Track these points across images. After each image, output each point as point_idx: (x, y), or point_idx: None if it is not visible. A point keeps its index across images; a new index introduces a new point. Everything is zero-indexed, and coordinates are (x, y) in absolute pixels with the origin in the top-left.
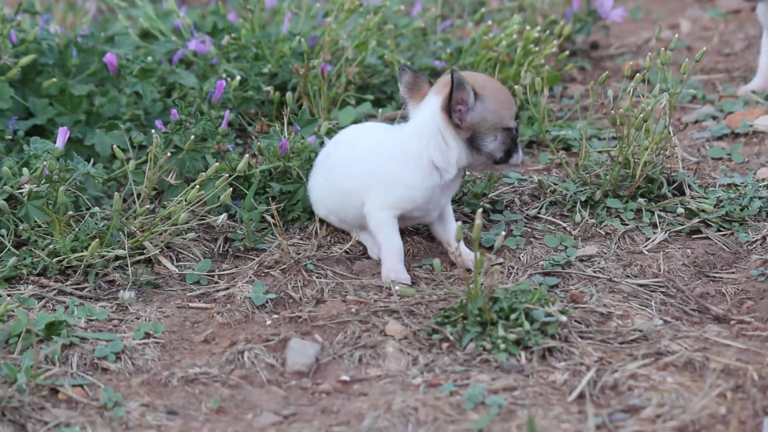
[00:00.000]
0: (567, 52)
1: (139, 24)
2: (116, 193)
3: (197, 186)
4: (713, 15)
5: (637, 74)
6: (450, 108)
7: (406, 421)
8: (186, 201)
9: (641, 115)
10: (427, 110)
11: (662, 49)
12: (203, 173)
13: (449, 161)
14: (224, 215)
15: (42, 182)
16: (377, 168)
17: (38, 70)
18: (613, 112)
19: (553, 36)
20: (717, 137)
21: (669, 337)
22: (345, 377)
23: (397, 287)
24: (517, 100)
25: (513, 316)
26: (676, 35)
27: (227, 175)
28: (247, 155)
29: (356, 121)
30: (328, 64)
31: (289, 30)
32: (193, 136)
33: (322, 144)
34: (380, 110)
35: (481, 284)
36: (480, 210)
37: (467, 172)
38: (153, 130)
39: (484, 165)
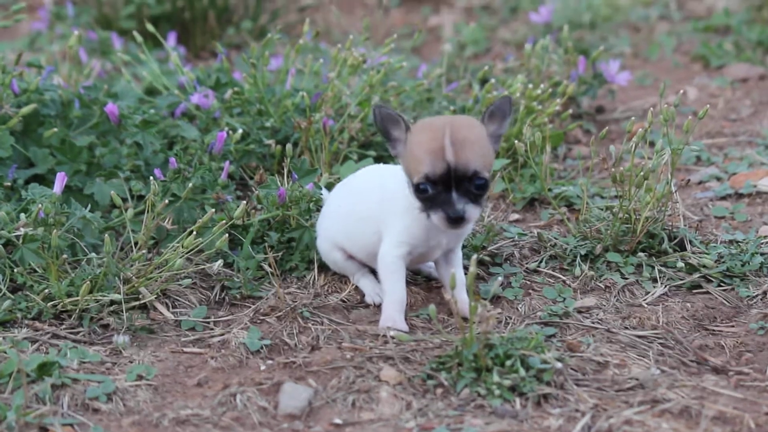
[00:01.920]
0: (570, 111)
1: (145, 81)
2: (107, 235)
3: (194, 233)
4: (720, 83)
5: (639, 130)
6: (386, 136)
7: None
8: (183, 247)
9: (641, 173)
10: None
11: (665, 105)
12: (200, 220)
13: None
14: (220, 262)
15: (37, 226)
16: (386, 201)
17: (40, 121)
18: (613, 169)
19: (557, 95)
20: (720, 197)
21: (666, 386)
22: (338, 420)
23: (392, 333)
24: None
25: (508, 363)
26: (681, 91)
27: (223, 221)
28: (244, 202)
29: None
30: (331, 119)
31: (293, 86)
32: (191, 185)
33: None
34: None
35: (477, 331)
36: (475, 257)
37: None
38: (151, 178)
39: None
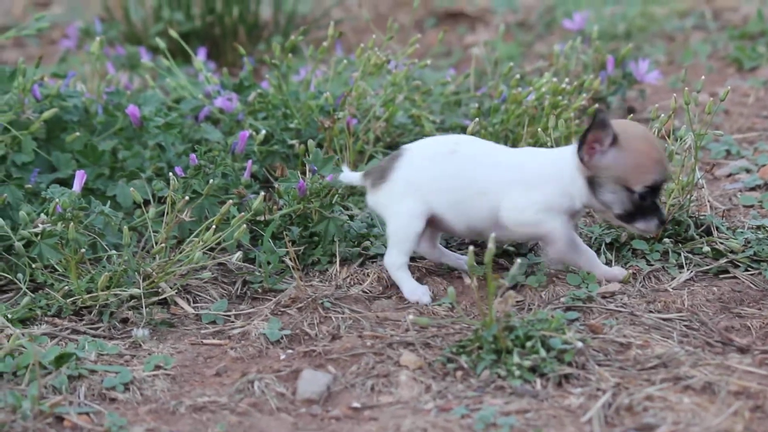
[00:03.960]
0: (597, 106)
1: (173, 93)
2: (125, 227)
3: (214, 226)
4: (753, 83)
5: (662, 116)
6: (582, 141)
7: None
8: (203, 241)
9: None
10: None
11: (686, 89)
12: (219, 213)
13: (573, 193)
14: (239, 254)
15: (55, 221)
16: (514, 177)
17: (63, 126)
18: None
19: (583, 91)
20: (749, 188)
21: (689, 364)
22: (356, 404)
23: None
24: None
25: (529, 344)
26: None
27: (243, 214)
28: (262, 193)
29: None
30: (355, 118)
31: (317, 87)
32: (211, 181)
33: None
34: None
35: (496, 312)
36: (493, 234)
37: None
38: (170, 174)
39: (605, 213)
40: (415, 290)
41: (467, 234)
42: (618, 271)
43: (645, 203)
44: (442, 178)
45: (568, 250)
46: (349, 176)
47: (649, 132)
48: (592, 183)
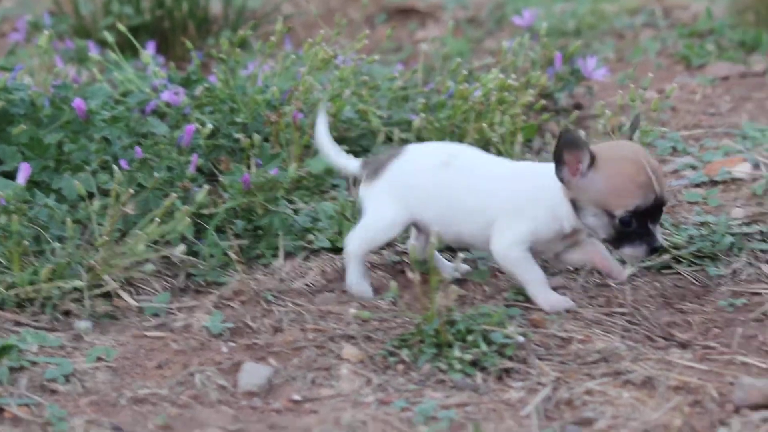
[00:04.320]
0: (544, 103)
1: (121, 87)
2: (69, 219)
3: (157, 219)
4: (701, 81)
5: (607, 112)
6: (557, 160)
7: None
8: (146, 234)
9: None
10: None
11: (633, 86)
12: (163, 206)
13: (561, 216)
14: (182, 246)
15: None
16: (505, 197)
17: (9, 119)
18: None
19: (530, 86)
20: (695, 185)
21: (629, 359)
22: (296, 397)
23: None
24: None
25: (470, 338)
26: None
27: (186, 207)
28: (207, 187)
29: (328, 170)
30: (301, 113)
31: (264, 81)
32: (156, 174)
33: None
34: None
35: (438, 306)
36: (436, 230)
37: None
38: (114, 167)
39: (596, 236)
40: (357, 283)
41: (454, 244)
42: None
43: (629, 229)
44: (430, 191)
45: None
46: (348, 163)
47: (641, 153)
48: (575, 205)
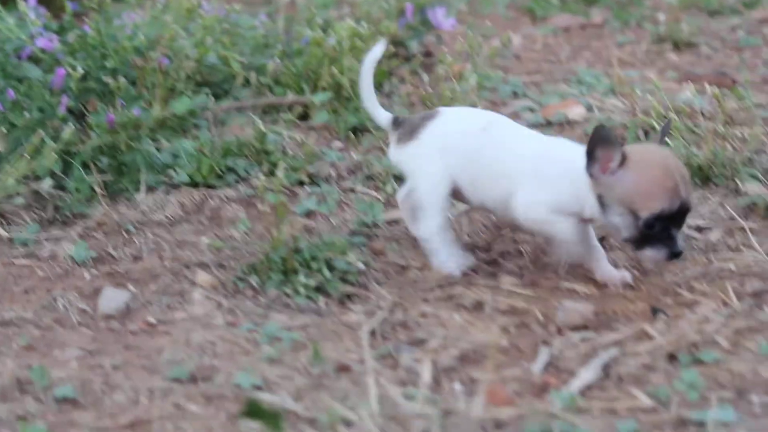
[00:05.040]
0: (395, 50)
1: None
2: None
3: (27, 156)
4: (544, 32)
5: (448, 57)
6: (589, 156)
7: (203, 353)
8: (16, 170)
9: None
10: None
11: (469, 33)
12: (31, 142)
13: (583, 203)
14: (49, 180)
15: None
16: (532, 170)
17: None
18: (424, 92)
19: (380, 34)
20: (532, 125)
21: (463, 285)
22: (152, 320)
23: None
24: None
25: (314, 265)
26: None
27: (54, 144)
28: (73, 125)
29: (191, 111)
30: (167, 59)
31: (133, 29)
32: (28, 115)
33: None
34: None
35: (286, 236)
36: (282, 165)
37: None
38: None
39: (615, 234)
40: (445, 262)
41: (480, 208)
42: (618, 274)
43: (653, 232)
44: (468, 153)
45: (576, 248)
46: (379, 115)
47: (670, 159)
48: (601, 202)
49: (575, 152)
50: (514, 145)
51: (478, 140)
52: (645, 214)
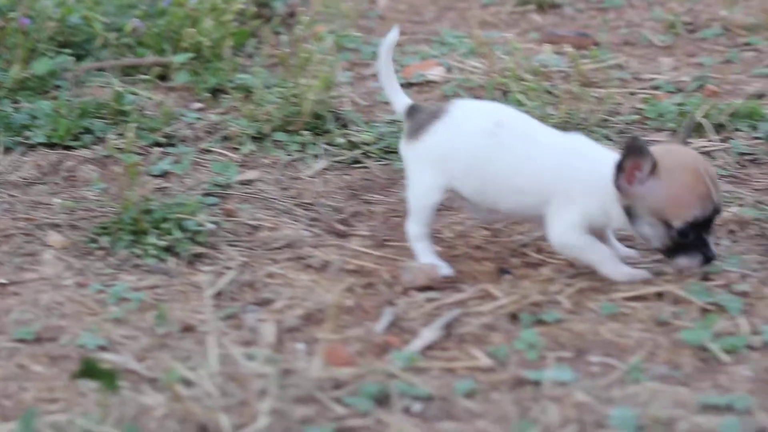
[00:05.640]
0: (255, 9)
1: None
2: None
3: None
4: None
5: (305, 17)
6: (619, 168)
7: (50, 313)
8: None
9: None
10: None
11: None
12: None
13: (611, 215)
14: None
15: None
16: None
17: None
18: (281, 53)
19: None
20: None
21: (312, 245)
22: (2, 280)
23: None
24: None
25: (165, 226)
26: None
27: None
28: None
29: (51, 72)
30: (29, 18)
31: None
32: None
33: None
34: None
35: (137, 196)
36: (133, 125)
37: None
38: None
39: (645, 244)
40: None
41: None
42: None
43: (687, 240)
44: (474, 161)
45: (622, 269)
46: (396, 99)
47: (699, 161)
48: (630, 213)
49: (599, 160)
50: (532, 154)
51: (487, 146)
52: (678, 223)
